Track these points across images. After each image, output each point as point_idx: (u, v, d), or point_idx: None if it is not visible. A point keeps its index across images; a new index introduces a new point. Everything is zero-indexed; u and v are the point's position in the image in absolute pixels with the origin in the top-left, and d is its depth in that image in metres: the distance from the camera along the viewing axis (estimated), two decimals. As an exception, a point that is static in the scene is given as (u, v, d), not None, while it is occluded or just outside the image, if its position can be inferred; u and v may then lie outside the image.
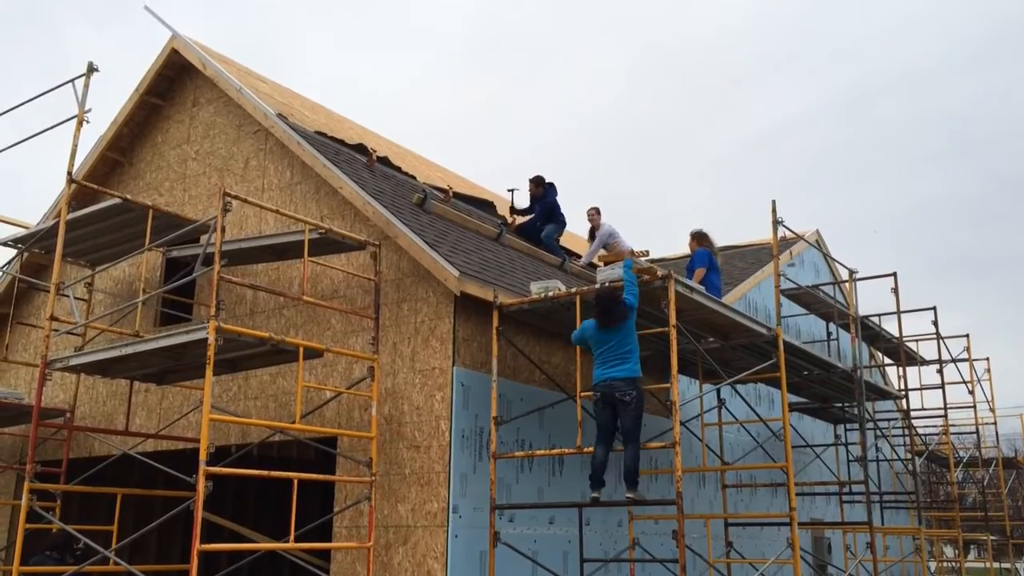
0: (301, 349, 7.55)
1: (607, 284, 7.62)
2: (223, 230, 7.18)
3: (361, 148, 11.27)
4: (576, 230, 17.39)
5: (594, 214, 12.66)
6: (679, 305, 7.76)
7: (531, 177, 12.88)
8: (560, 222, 12.56)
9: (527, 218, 12.75)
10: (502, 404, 8.35)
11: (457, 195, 12.30)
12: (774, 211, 10.27)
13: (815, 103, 53.86)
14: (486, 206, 13.16)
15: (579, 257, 13.29)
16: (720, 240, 10.97)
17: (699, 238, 10.18)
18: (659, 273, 7.62)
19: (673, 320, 7.39)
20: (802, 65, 53.71)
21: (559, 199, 12.73)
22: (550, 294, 8.10)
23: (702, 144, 54.52)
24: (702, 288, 8.54)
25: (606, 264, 8.00)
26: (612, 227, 12.57)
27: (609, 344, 7.38)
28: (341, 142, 11.07)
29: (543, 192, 12.65)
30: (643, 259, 8.03)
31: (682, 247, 16.96)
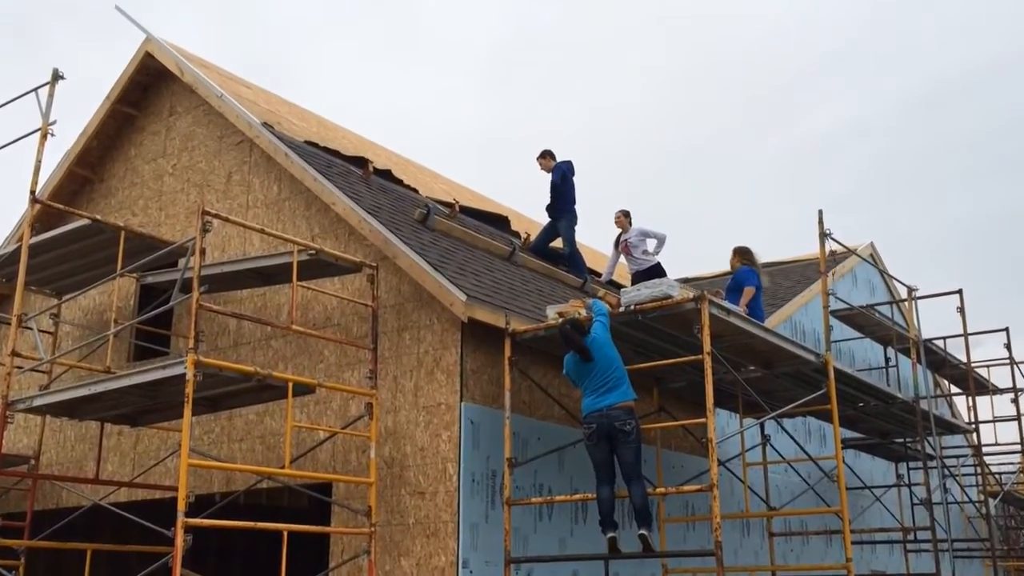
0: (291, 384, 7.56)
1: (563, 321, 7.80)
2: (203, 252, 7.23)
3: (357, 160, 11.35)
4: (596, 241, 17.38)
5: (621, 218, 12.65)
6: (715, 329, 7.74)
7: (541, 152, 12.53)
8: (572, 212, 12.37)
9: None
10: (517, 443, 8.33)
11: (464, 210, 12.34)
12: (821, 222, 10.27)
13: (873, 108, 53.62)
14: (498, 222, 13.20)
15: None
16: (762, 256, 10.97)
17: (743, 254, 10.17)
18: (690, 294, 7.61)
19: (707, 346, 7.37)
20: (858, 67, 53.52)
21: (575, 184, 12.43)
22: (562, 321, 8.07)
23: (746, 153, 54.47)
24: (739, 309, 8.51)
25: (560, 314, 8.14)
26: (643, 227, 12.54)
27: (593, 374, 7.51)
28: (335, 153, 11.14)
29: (553, 169, 12.39)
30: (600, 293, 8.29)
31: (717, 264, 16.94)
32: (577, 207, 12.52)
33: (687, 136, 52.57)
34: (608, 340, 7.62)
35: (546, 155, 12.57)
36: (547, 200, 12.54)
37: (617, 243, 12.80)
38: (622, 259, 12.98)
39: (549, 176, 12.48)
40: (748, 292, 9.64)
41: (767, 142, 53.21)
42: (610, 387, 7.45)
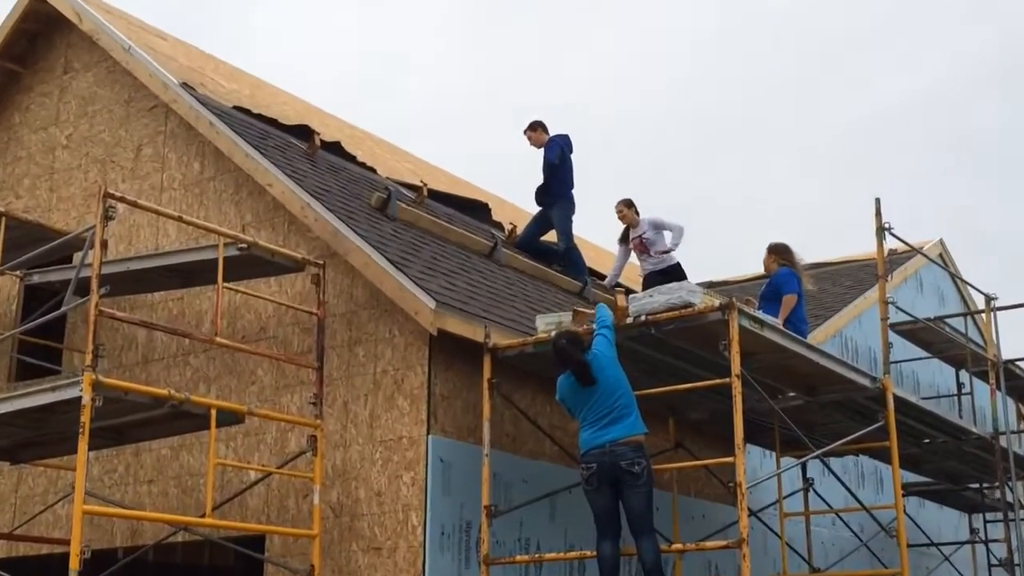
0: (214, 412, 7.54)
1: (557, 333, 7.82)
2: (104, 245, 7.19)
3: (300, 130, 11.34)
4: (599, 238, 17.43)
5: (624, 209, 12.69)
6: (746, 346, 7.75)
7: (530, 124, 12.62)
8: (569, 199, 12.43)
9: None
10: (497, 487, 8.31)
11: (435, 194, 12.35)
12: (878, 213, 10.29)
13: (948, 73, 53.55)
14: (477, 210, 13.20)
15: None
16: (805, 255, 11.01)
17: (780, 253, 10.20)
18: (715, 302, 7.62)
19: (737, 367, 7.38)
20: (934, 22, 53.58)
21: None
22: (555, 334, 8.07)
23: (789, 126, 54.38)
24: (776, 322, 8.53)
25: (578, 318, 8.14)
26: (654, 217, 12.60)
27: (593, 400, 7.51)
28: (272, 122, 11.14)
29: (548, 145, 12.43)
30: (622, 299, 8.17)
31: (748, 265, 16.97)
32: (575, 192, 12.55)
33: (714, 105, 52.60)
34: (613, 359, 7.62)
35: (537, 127, 12.59)
36: (537, 183, 12.55)
37: (624, 239, 12.82)
38: (632, 258, 13.00)
39: (541, 153, 12.49)
40: (789, 301, 9.66)
41: (816, 114, 53.35)
42: (614, 418, 7.45)
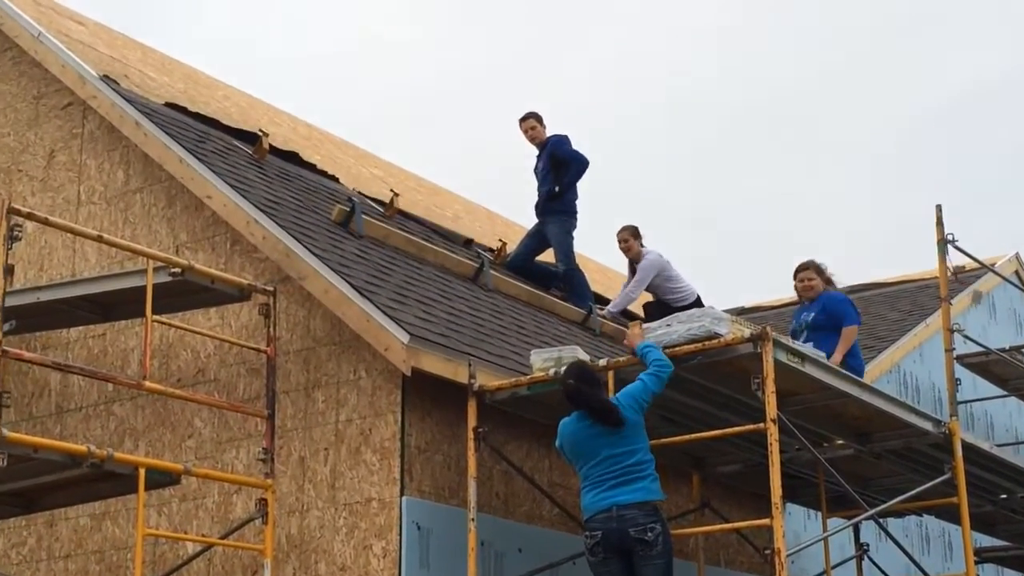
0: (142, 472, 7.49)
1: (567, 370, 7.73)
2: (10, 271, 7.17)
3: (246, 132, 11.35)
4: (605, 256, 17.46)
5: (628, 238, 12.73)
6: (784, 385, 7.76)
7: (523, 115, 12.73)
8: (571, 214, 12.51)
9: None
10: (486, 558, 8.30)
11: (403, 214, 12.23)
12: (940, 223, 10.32)
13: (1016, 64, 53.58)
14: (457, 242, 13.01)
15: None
16: (851, 275, 11.07)
17: (820, 272, 10.26)
18: (746, 331, 7.63)
19: (773, 410, 7.38)
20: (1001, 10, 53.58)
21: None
22: (564, 370, 8.07)
23: (831, 120, 54.25)
24: (820, 354, 8.53)
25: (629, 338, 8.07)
26: (662, 257, 12.62)
27: (604, 453, 7.41)
28: (213, 122, 11.16)
29: (546, 143, 12.57)
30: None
31: (781, 287, 16.97)
32: (579, 203, 12.62)
33: (744, 95, 52.67)
34: (643, 406, 7.54)
35: (533, 119, 12.68)
36: (535, 193, 12.62)
37: (631, 270, 12.86)
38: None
39: (537, 152, 12.58)
40: (850, 334, 9.73)
41: (865, 107, 53.46)
42: (628, 478, 7.37)
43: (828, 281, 10.29)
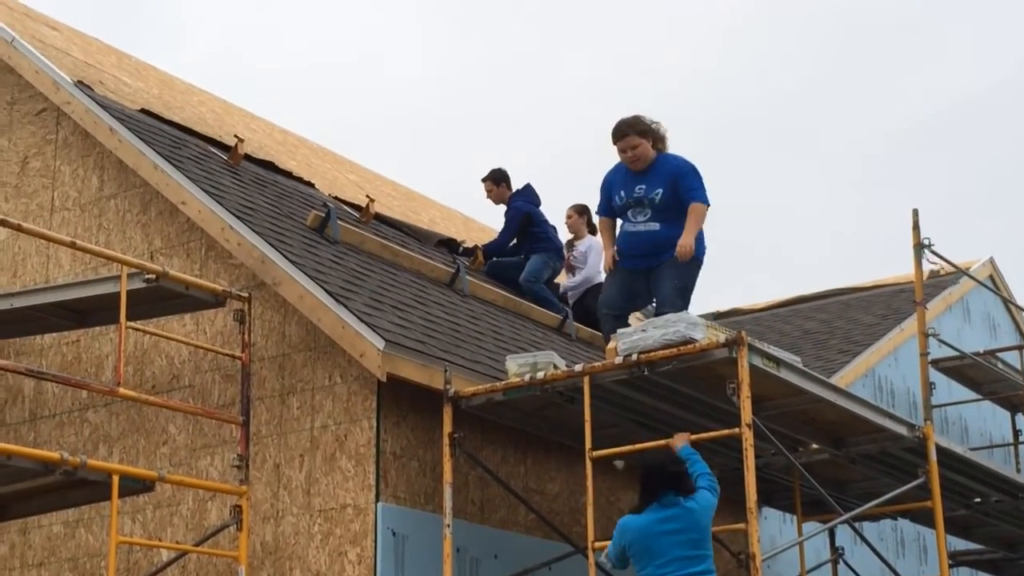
0: (116, 479, 7.47)
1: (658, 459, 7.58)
2: (-18, 278, 7.16)
3: (219, 141, 11.33)
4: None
5: (574, 216, 12.83)
6: (759, 390, 7.78)
7: (487, 174, 12.90)
8: (549, 250, 12.63)
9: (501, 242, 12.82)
10: (462, 564, 8.31)
11: (380, 218, 12.22)
12: (916, 227, 10.37)
13: (1003, 72, 53.87)
14: (440, 243, 12.99)
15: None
16: (828, 279, 11.05)
17: (645, 132, 8.95)
18: (721, 336, 7.65)
19: (748, 415, 7.40)
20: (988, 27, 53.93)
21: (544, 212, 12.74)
22: (541, 375, 8.10)
23: (813, 126, 54.49)
24: (796, 359, 8.56)
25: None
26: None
27: (670, 556, 7.14)
28: (188, 129, 11.14)
29: (508, 198, 12.80)
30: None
31: (765, 293, 16.97)
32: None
33: (732, 100, 52.74)
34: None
35: (500, 180, 12.85)
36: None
37: (569, 247, 12.89)
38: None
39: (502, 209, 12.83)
40: (700, 211, 8.65)
41: (849, 114, 53.61)
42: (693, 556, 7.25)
43: (660, 140, 8.95)
